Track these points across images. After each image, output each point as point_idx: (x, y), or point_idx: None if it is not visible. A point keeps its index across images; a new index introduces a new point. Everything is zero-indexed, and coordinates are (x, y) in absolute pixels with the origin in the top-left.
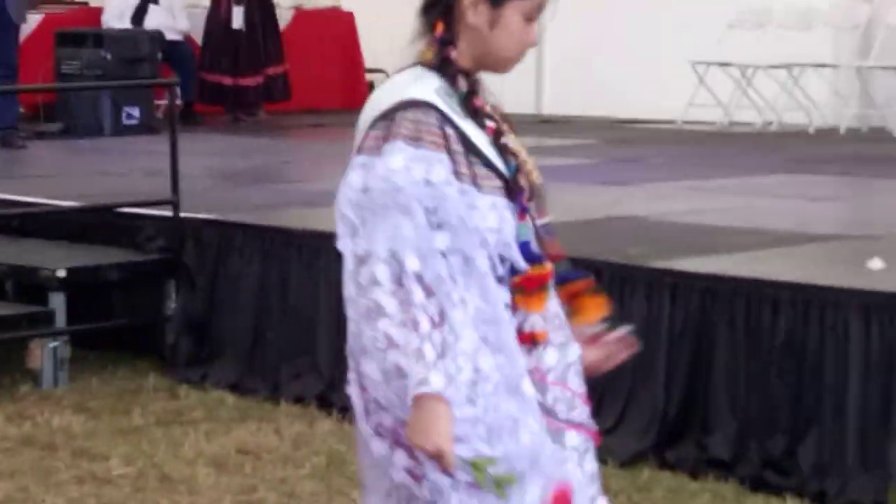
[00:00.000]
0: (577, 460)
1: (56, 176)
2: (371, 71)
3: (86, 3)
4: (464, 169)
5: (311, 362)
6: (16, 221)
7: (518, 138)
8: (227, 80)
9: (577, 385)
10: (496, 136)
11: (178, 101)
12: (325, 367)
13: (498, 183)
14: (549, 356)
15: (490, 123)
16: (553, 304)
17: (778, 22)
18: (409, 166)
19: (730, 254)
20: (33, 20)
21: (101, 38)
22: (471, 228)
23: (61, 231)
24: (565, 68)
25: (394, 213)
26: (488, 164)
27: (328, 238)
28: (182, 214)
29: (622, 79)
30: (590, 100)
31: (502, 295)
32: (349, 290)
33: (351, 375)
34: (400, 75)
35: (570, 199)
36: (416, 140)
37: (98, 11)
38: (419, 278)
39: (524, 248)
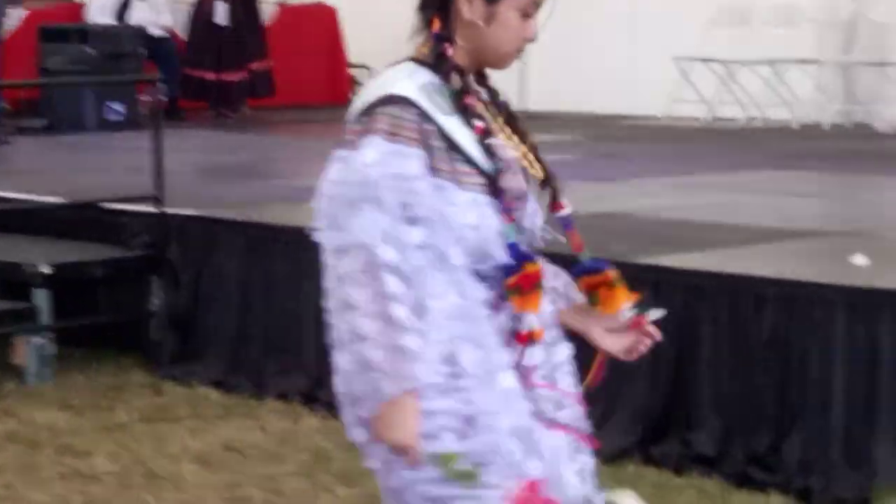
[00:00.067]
0: (563, 459)
1: (40, 172)
2: (354, 66)
3: None
4: (443, 165)
5: (295, 359)
6: None
7: (532, 134)
8: (211, 76)
9: (568, 385)
10: (483, 136)
11: (162, 97)
12: (309, 364)
13: (480, 180)
14: (536, 354)
15: (479, 123)
16: (545, 302)
17: (761, 17)
18: (384, 161)
19: (713, 250)
20: (17, 16)
21: (84, 34)
22: (446, 224)
23: (45, 227)
24: (549, 64)
25: (368, 206)
26: (470, 161)
27: (313, 234)
28: (166, 210)
29: (606, 75)
30: (574, 96)
31: (480, 291)
32: (328, 282)
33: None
34: (391, 70)
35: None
36: (392, 135)
37: (82, 7)
38: (393, 270)
39: (512, 248)
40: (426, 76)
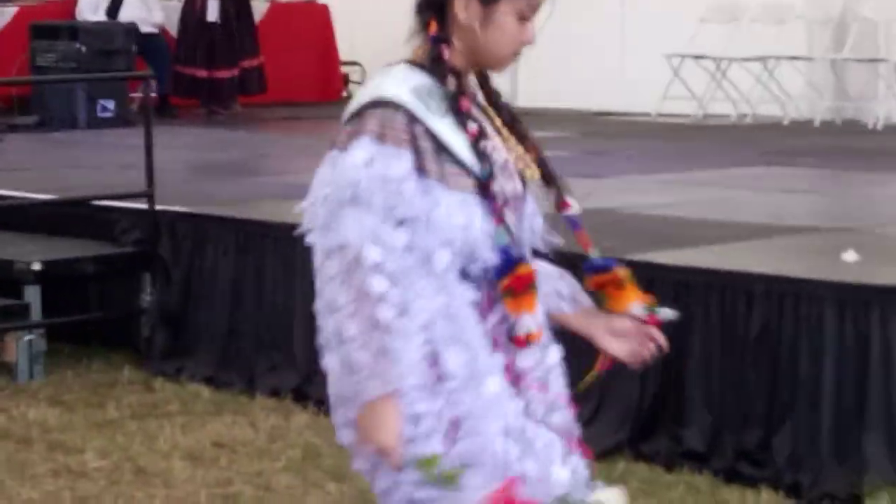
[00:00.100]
0: (554, 458)
1: (31, 169)
2: (346, 64)
3: None
4: (431, 165)
5: (286, 355)
6: None
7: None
8: (202, 73)
9: (560, 387)
10: (476, 140)
11: (154, 94)
12: (300, 361)
13: (470, 181)
14: (529, 356)
15: (472, 127)
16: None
17: (752, 14)
18: (371, 162)
19: (704, 246)
20: (8, 13)
21: (76, 31)
22: (433, 226)
23: (36, 224)
24: (540, 61)
25: (354, 207)
26: (459, 162)
27: (302, 234)
28: (157, 207)
29: (597, 71)
30: (564, 92)
31: (468, 293)
32: (317, 282)
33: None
34: (385, 72)
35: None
36: (381, 137)
37: (73, 4)
38: (379, 271)
39: (503, 252)
40: (421, 78)
